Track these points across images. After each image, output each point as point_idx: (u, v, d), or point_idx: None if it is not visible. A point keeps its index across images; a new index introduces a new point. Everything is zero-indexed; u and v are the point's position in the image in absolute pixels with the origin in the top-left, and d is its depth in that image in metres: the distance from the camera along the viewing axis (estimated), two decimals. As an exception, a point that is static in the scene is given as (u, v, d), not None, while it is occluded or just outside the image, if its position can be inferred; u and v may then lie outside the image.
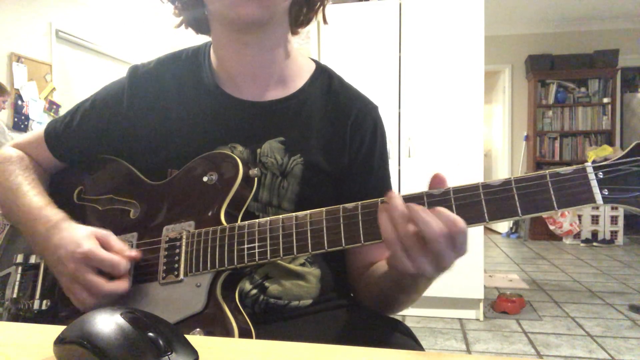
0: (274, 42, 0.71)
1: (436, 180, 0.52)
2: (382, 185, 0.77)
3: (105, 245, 0.61)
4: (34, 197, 0.70)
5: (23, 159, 0.77)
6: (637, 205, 0.46)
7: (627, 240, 5.20)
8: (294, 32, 0.75)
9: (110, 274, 0.60)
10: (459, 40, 2.58)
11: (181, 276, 0.61)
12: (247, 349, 0.45)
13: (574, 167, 0.48)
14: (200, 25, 0.74)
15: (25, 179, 0.73)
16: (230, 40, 0.70)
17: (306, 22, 0.75)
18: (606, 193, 0.46)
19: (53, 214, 0.67)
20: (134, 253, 0.62)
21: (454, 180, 0.52)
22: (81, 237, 0.61)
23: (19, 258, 0.72)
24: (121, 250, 0.61)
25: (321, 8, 0.75)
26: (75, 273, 0.59)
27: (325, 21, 0.76)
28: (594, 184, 0.47)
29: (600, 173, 0.47)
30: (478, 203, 0.50)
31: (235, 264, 0.59)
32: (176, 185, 0.68)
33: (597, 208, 5.11)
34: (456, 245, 0.49)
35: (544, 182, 0.48)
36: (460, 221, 0.48)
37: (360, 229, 0.54)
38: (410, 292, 0.64)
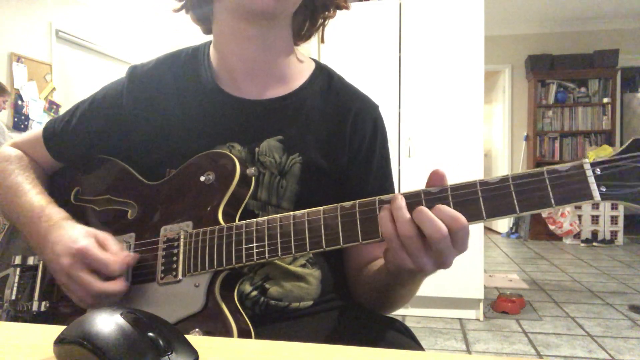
0: (277, 40, 0.71)
1: (435, 177, 0.52)
2: (382, 185, 0.77)
3: (102, 246, 0.61)
4: (35, 196, 0.70)
5: (22, 159, 0.77)
6: (635, 201, 0.46)
7: (627, 240, 5.20)
8: (294, 44, 0.77)
9: (103, 274, 0.60)
10: (459, 40, 2.57)
11: (179, 276, 0.61)
12: (247, 349, 0.45)
13: (572, 163, 0.48)
14: (202, 13, 0.74)
15: (25, 178, 0.73)
16: (234, 34, 0.70)
17: (307, 37, 0.78)
18: (604, 190, 0.46)
19: (55, 212, 0.67)
20: (129, 257, 0.62)
21: (454, 180, 0.52)
22: (79, 234, 0.61)
23: (18, 259, 0.72)
24: (117, 253, 0.61)
25: (322, 27, 0.78)
26: (69, 269, 0.59)
27: (322, 40, 0.78)
28: (591, 180, 0.47)
29: (598, 170, 0.47)
30: (476, 201, 0.50)
31: (234, 263, 0.58)
32: (173, 185, 0.68)
33: (597, 207, 5.12)
34: (457, 242, 0.50)
35: (541, 179, 0.48)
36: (461, 218, 0.49)
37: (359, 227, 0.54)
38: (405, 287, 0.63)
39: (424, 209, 0.49)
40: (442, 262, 0.51)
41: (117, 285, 0.60)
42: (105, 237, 0.63)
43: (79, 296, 0.60)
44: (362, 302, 0.74)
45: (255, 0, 0.63)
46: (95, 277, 0.59)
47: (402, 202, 0.51)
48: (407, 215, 0.50)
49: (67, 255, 0.60)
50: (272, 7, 0.63)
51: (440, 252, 0.49)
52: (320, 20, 0.77)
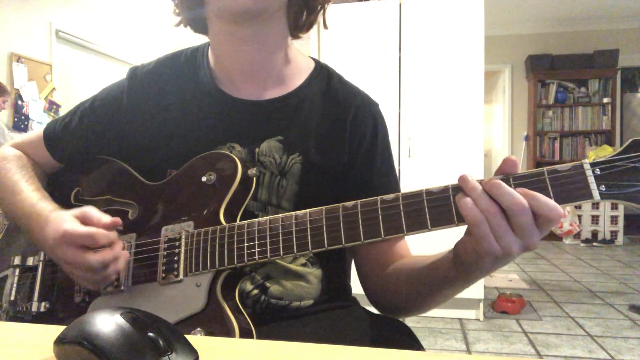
0: (271, 39, 0.70)
1: (509, 163, 0.50)
2: (387, 180, 0.76)
3: (84, 221, 0.61)
4: (30, 194, 0.70)
5: (20, 158, 0.77)
6: (634, 200, 0.47)
7: (627, 240, 5.20)
8: (295, 37, 0.74)
9: (94, 247, 0.59)
10: (459, 40, 2.57)
11: (181, 276, 0.61)
12: (247, 349, 0.45)
13: (572, 163, 0.49)
14: (198, 23, 0.73)
15: (22, 177, 0.73)
16: (227, 37, 0.69)
17: (307, 26, 0.74)
18: (603, 189, 0.48)
19: (44, 207, 0.66)
20: (110, 219, 0.61)
21: (454, 180, 0.52)
22: (61, 221, 0.61)
23: (17, 260, 0.72)
24: (99, 221, 0.61)
25: (322, 12, 0.73)
26: (64, 257, 0.59)
27: (325, 26, 0.74)
28: (591, 180, 0.48)
29: (598, 169, 0.48)
30: None
31: (235, 263, 0.59)
32: (175, 186, 0.68)
33: (597, 207, 5.12)
34: (544, 224, 0.48)
35: (542, 179, 0.49)
36: (551, 202, 0.47)
37: (360, 227, 0.54)
38: (466, 281, 0.58)
39: (499, 182, 0.48)
40: (527, 242, 0.48)
41: (109, 252, 0.59)
42: (85, 210, 0.62)
43: (86, 278, 0.60)
44: (385, 301, 0.72)
45: (232, 2, 0.62)
46: (86, 251, 0.59)
47: (474, 182, 0.49)
48: (484, 192, 0.48)
49: (57, 246, 0.60)
50: (251, 7, 0.62)
51: (522, 228, 0.47)
52: (319, 7, 0.73)
